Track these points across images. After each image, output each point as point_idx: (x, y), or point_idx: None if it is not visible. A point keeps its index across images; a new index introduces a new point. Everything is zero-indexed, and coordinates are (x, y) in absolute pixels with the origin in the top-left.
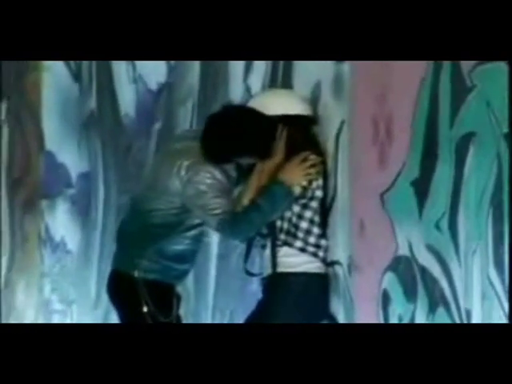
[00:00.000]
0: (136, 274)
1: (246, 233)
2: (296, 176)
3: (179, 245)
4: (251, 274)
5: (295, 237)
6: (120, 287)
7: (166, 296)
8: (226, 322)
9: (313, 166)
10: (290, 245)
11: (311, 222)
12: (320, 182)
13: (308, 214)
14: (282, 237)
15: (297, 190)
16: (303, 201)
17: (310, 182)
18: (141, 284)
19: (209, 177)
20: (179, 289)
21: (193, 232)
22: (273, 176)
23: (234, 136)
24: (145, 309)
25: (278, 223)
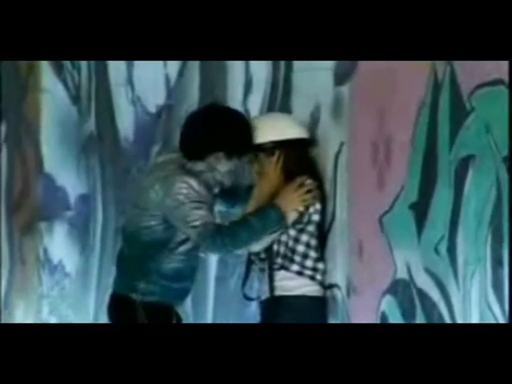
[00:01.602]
0: (134, 296)
1: (229, 247)
2: (292, 202)
3: (174, 262)
4: (249, 299)
5: (292, 261)
6: (119, 310)
7: (165, 319)
8: None
9: (309, 191)
10: (286, 268)
11: (308, 245)
12: (317, 206)
13: (305, 237)
14: (279, 261)
15: (292, 216)
16: (300, 225)
17: (306, 208)
18: (139, 307)
19: (185, 187)
20: (180, 310)
21: (185, 247)
22: (269, 201)
23: (205, 131)
24: None
25: (275, 247)
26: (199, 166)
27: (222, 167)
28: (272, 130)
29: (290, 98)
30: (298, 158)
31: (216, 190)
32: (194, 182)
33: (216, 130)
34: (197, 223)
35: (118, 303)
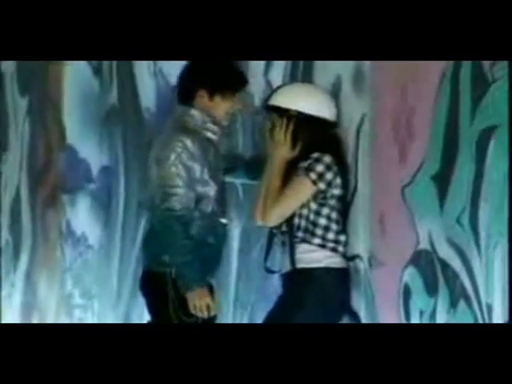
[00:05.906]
0: (164, 271)
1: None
2: None
3: (199, 229)
4: (271, 272)
5: (313, 234)
6: (151, 287)
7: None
8: (246, 316)
9: (328, 167)
10: (308, 242)
11: (329, 218)
12: (338, 181)
13: (326, 210)
14: (300, 234)
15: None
16: (321, 201)
17: (329, 184)
18: (170, 282)
19: (180, 145)
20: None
21: (205, 213)
22: (284, 172)
23: (188, 72)
24: (171, 309)
25: (296, 220)
26: (195, 116)
27: (215, 109)
28: (303, 100)
29: (312, 69)
30: (319, 136)
31: (223, 149)
32: (188, 141)
33: (196, 68)
34: (176, 206)
35: (150, 279)
